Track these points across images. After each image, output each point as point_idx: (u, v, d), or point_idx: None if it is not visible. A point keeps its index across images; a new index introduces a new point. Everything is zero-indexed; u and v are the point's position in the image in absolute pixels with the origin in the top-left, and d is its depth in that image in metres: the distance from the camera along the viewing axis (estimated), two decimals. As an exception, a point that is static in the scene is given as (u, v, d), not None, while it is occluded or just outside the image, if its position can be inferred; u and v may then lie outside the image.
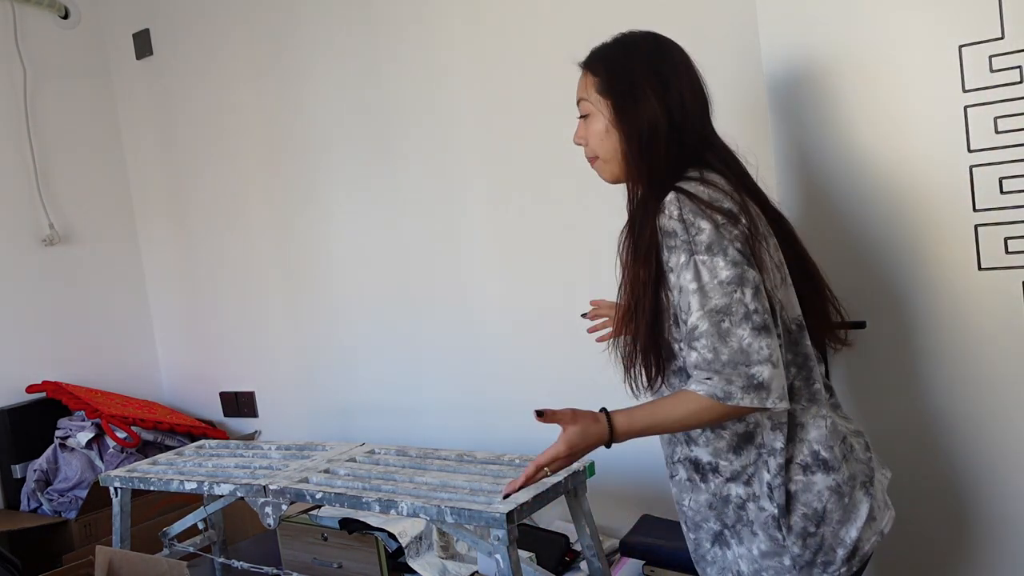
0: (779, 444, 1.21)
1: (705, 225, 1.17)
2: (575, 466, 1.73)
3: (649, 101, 1.26)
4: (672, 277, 1.19)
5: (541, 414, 1.18)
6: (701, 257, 1.16)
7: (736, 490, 1.24)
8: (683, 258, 1.17)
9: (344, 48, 2.63)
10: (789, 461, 1.22)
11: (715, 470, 1.26)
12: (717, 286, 1.15)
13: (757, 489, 1.23)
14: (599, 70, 1.31)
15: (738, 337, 1.13)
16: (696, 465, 1.28)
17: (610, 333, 1.50)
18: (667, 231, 1.18)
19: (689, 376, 1.19)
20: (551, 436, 1.96)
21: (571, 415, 1.19)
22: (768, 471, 1.22)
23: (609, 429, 1.18)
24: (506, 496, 1.24)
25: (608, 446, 1.20)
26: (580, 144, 1.37)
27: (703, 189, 1.21)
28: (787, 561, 1.21)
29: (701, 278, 1.15)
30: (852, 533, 1.21)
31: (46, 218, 3.03)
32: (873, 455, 1.32)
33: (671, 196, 1.20)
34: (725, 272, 1.15)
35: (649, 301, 1.22)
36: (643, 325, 1.23)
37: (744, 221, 1.20)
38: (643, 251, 1.22)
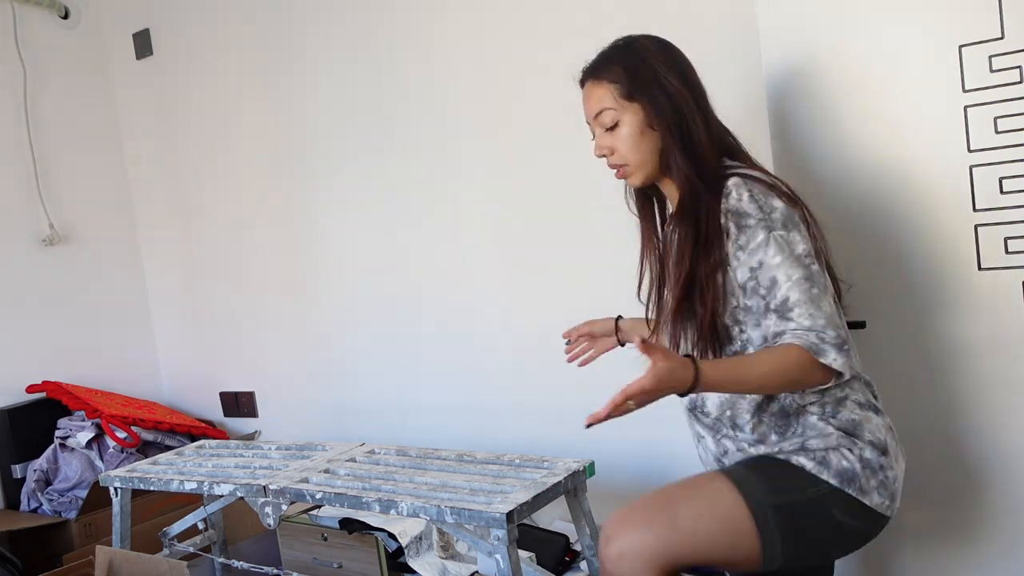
0: (806, 400, 1.27)
1: (777, 203, 1.24)
2: (574, 466, 1.73)
3: (679, 92, 1.31)
4: (742, 256, 1.24)
5: (645, 341, 1.14)
6: (778, 232, 1.22)
7: (787, 444, 1.29)
8: (761, 236, 1.22)
9: (345, 48, 2.63)
10: (844, 399, 1.28)
11: (761, 442, 1.32)
12: (797, 259, 1.21)
13: (811, 432, 1.27)
14: (618, 75, 1.32)
15: (827, 303, 1.20)
16: (747, 444, 1.33)
17: (592, 355, 1.69)
18: (739, 212, 1.23)
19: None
20: (551, 437, 1.98)
21: (664, 352, 1.14)
22: (812, 415, 1.28)
23: (695, 374, 1.14)
24: (588, 425, 1.17)
25: (686, 393, 1.16)
26: (604, 156, 1.36)
27: (760, 174, 1.28)
28: (868, 453, 1.25)
29: (783, 252, 1.21)
30: (901, 476, 1.29)
31: (46, 218, 3.02)
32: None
33: (736, 180, 1.26)
34: (802, 246, 1.22)
35: (715, 286, 1.27)
36: (708, 311, 1.27)
37: (801, 204, 1.28)
38: (704, 238, 1.27)
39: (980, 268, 1.52)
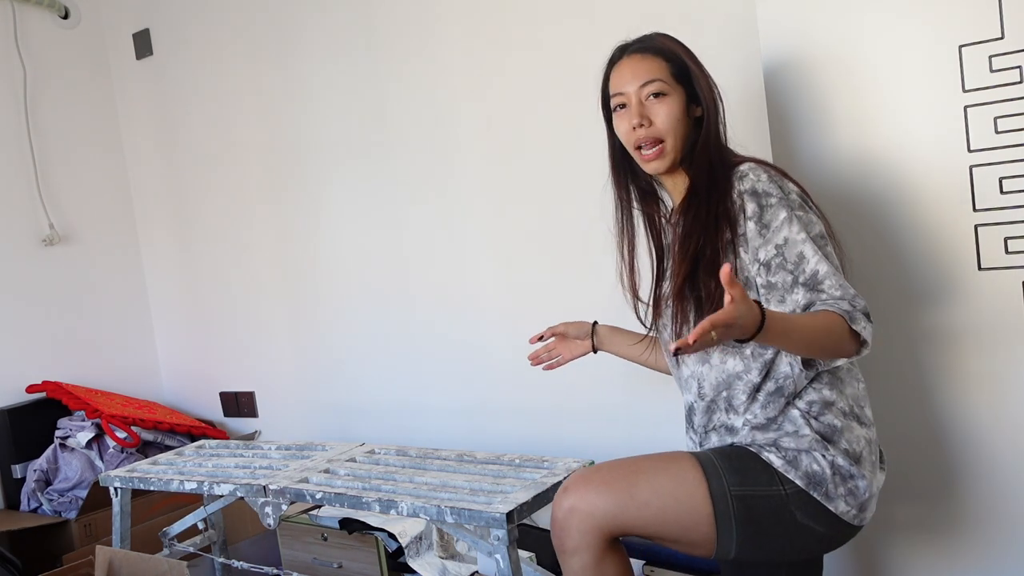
0: (801, 386, 1.28)
1: (792, 187, 1.29)
2: (574, 466, 1.73)
3: (714, 90, 1.37)
4: (767, 233, 1.26)
5: (729, 272, 1.09)
6: (798, 213, 1.26)
7: (760, 436, 1.29)
8: (783, 214, 1.25)
9: (345, 48, 2.63)
10: (831, 404, 1.28)
11: (744, 426, 1.32)
12: (817, 237, 1.26)
13: (789, 427, 1.27)
14: (671, 56, 1.36)
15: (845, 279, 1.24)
16: (730, 430, 1.33)
17: (560, 360, 1.68)
18: (759, 192, 1.27)
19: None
20: (551, 437, 1.96)
21: (743, 291, 1.11)
22: (797, 409, 1.28)
23: (762, 318, 1.10)
24: (676, 351, 1.11)
25: (749, 338, 1.11)
26: (641, 126, 1.34)
27: (769, 164, 1.33)
28: (841, 460, 1.24)
29: (806, 228, 1.24)
30: (873, 488, 1.27)
31: (46, 218, 3.03)
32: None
33: (750, 165, 1.30)
34: (818, 227, 1.27)
35: (722, 264, 1.27)
36: (718, 287, 1.27)
37: (809, 196, 1.32)
38: (714, 218, 1.30)
39: (980, 268, 1.52)
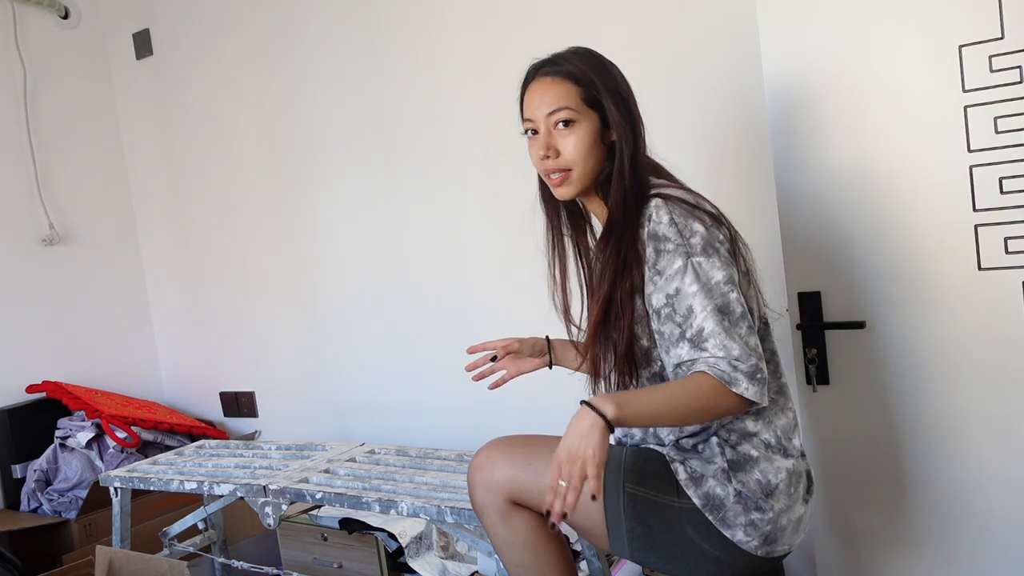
0: (727, 419, 1.25)
1: (697, 227, 1.19)
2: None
3: (637, 114, 1.30)
4: (659, 281, 1.20)
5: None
6: (697, 259, 1.18)
7: (676, 453, 1.28)
8: (679, 262, 1.18)
9: (346, 48, 2.63)
10: (752, 435, 1.25)
11: (671, 444, 1.30)
12: (715, 287, 1.17)
13: (707, 453, 1.26)
14: (583, 78, 1.27)
15: (740, 334, 1.15)
16: (660, 442, 1.32)
17: (507, 377, 1.60)
18: (659, 236, 1.20)
19: (664, 379, 1.25)
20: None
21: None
22: (717, 437, 1.25)
23: (599, 415, 1.07)
24: (549, 515, 1.09)
25: (611, 430, 1.09)
26: (547, 157, 1.29)
27: (684, 193, 1.24)
28: (747, 490, 1.22)
29: (700, 279, 1.17)
30: (783, 521, 1.24)
31: (46, 218, 3.03)
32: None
33: (657, 202, 1.21)
34: (720, 273, 1.18)
35: (631, 310, 1.25)
36: (623, 336, 1.26)
37: (725, 223, 1.24)
38: (623, 261, 1.24)
39: (980, 268, 1.52)
